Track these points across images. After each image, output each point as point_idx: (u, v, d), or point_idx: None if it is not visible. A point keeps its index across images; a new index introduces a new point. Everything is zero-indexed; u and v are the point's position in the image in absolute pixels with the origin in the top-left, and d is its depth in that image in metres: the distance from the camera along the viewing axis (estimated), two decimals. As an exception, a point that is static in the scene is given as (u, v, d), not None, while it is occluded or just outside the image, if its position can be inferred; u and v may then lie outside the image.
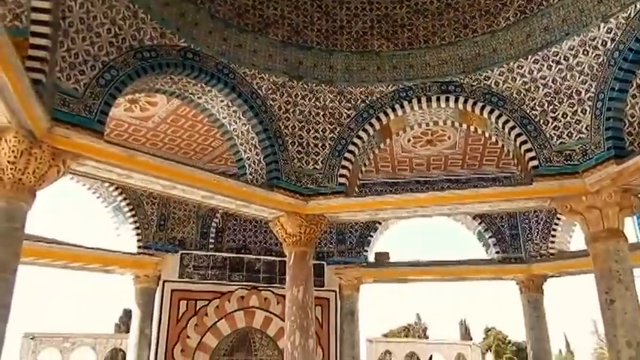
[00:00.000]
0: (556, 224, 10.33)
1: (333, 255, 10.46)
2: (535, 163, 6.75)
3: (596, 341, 52.94)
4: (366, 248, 10.61)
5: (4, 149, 4.38)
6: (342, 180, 7.32)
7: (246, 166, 7.34)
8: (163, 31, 6.20)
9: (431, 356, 61.76)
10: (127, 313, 35.90)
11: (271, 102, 7.24)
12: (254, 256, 10.05)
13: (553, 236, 10.28)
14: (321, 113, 7.52)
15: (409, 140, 9.38)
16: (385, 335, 62.53)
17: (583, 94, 6.48)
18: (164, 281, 9.16)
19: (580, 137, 6.54)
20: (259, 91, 7.12)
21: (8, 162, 4.36)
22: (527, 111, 6.90)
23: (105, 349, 50.97)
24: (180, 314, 9.12)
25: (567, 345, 73.21)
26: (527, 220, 10.65)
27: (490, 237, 10.72)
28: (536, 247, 10.39)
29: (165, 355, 8.81)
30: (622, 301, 5.75)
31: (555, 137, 6.74)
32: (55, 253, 8.23)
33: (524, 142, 6.88)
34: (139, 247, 9.12)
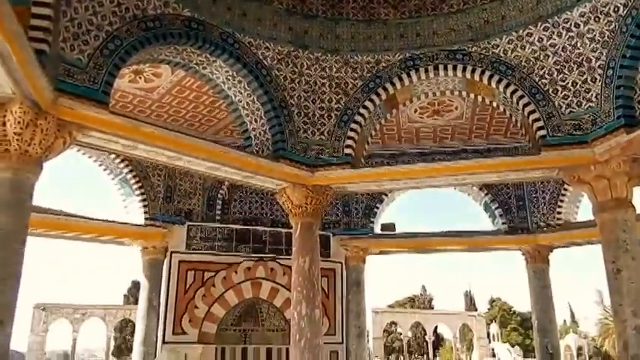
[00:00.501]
0: (563, 195, 10.29)
1: (339, 226, 10.49)
2: (543, 132, 6.69)
3: (601, 311, 53.50)
4: (372, 219, 10.62)
5: (10, 120, 4.37)
6: (348, 151, 7.28)
7: (252, 137, 7.31)
8: (167, 1, 6.10)
9: (436, 327, 62.64)
10: (136, 285, 36.44)
11: (276, 72, 7.16)
12: (260, 228, 10.08)
13: (560, 207, 10.25)
14: (327, 83, 7.44)
15: (416, 111, 9.29)
16: (391, 306, 63.33)
17: (593, 62, 6.37)
18: (171, 252, 9.23)
19: (590, 106, 6.45)
20: (264, 61, 7.04)
21: (14, 133, 4.36)
22: (536, 80, 6.80)
23: (114, 320, 52.02)
24: (187, 285, 9.21)
25: (572, 315, 73.89)
26: (534, 191, 10.62)
27: (497, 208, 10.71)
28: (543, 217, 10.38)
29: (174, 325, 8.92)
30: (628, 270, 5.77)
31: (564, 106, 6.65)
32: (63, 225, 8.29)
33: (532, 112, 6.80)
34: (146, 219, 9.17)
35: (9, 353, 4.17)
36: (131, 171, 9.11)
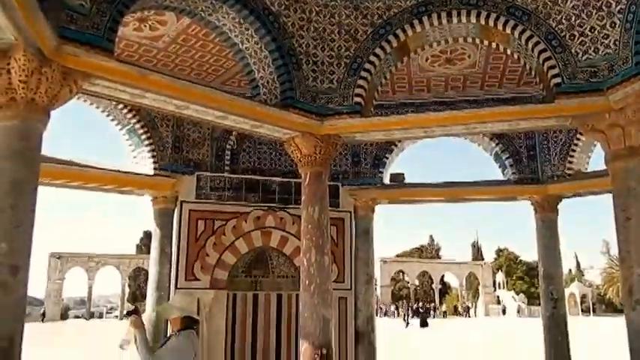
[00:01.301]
0: (575, 144, 10.18)
1: (348, 176, 10.49)
2: (558, 80, 6.56)
3: (607, 261, 54.15)
4: (381, 169, 10.60)
5: (14, 68, 4.32)
6: (357, 99, 7.18)
7: (260, 86, 7.22)
8: (170, -58, 5.90)
9: (443, 275, 63.86)
10: (148, 236, 37.22)
11: (284, 19, 6.98)
12: (269, 178, 10.12)
13: (571, 156, 10.16)
14: (337, 30, 7.25)
15: (427, 59, 9.09)
16: (399, 256, 64.58)
17: (613, 6, 6.14)
18: (181, 202, 9.31)
19: (607, 53, 6.28)
20: (272, 7, 6.85)
21: (20, 81, 4.32)
22: (553, 25, 6.59)
23: (128, 269, 53.53)
24: (198, 233, 9.34)
25: (577, 265, 75.01)
26: (545, 141, 10.51)
27: (507, 158, 10.63)
28: (554, 167, 10.31)
29: (186, 272, 9.11)
30: (638, 218, 5.78)
31: (581, 53, 6.48)
32: (73, 175, 8.34)
33: (547, 59, 6.63)
34: (155, 169, 9.20)
35: (26, 298, 4.28)
36: (139, 121, 9.08)
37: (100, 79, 5.07)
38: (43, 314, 43.48)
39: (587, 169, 10.45)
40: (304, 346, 6.59)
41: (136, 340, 4.10)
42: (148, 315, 8.75)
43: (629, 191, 5.88)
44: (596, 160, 10.30)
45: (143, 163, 9.33)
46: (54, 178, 8.01)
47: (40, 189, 4.72)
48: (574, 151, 10.19)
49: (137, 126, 9.11)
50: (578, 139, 10.09)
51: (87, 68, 4.91)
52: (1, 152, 4.33)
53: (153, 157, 9.21)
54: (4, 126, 4.38)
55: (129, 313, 4.31)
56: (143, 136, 9.17)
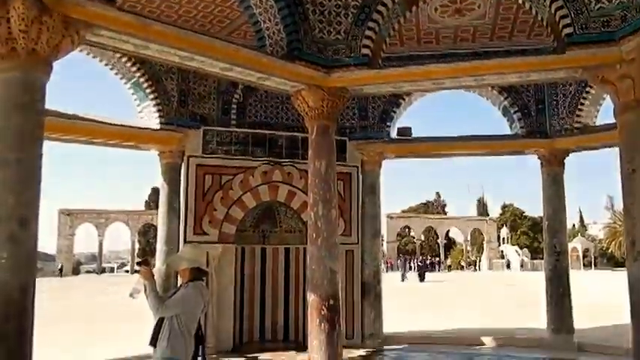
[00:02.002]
0: (584, 98, 10.03)
1: (356, 131, 10.44)
2: (570, 30, 6.41)
3: (611, 216, 54.40)
4: (388, 124, 10.53)
5: (14, 17, 4.24)
6: (365, 51, 7.05)
7: (266, 37, 7.08)
8: None
9: (448, 231, 64.41)
10: (156, 192, 37.47)
11: (290, -33, 6.77)
12: (276, 132, 10.08)
13: (580, 110, 10.03)
14: (343, -21, 7.05)
15: (436, 10, 8.84)
16: (405, 212, 65.04)
17: (631, -49, 5.93)
18: (188, 157, 9.33)
19: (621, 1, 6.13)
20: (277, -46, 6.64)
21: (20, 31, 4.25)
22: (566, -28, 6.38)
23: (137, 225, 54.24)
24: (206, 188, 9.41)
25: (581, 220, 75.39)
26: (554, 94, 10.37)
27: (515, 112, 10.52)
28: (562, 121, 10.21)
29: (195, 226, 9.23)
30: (644, 171, 5.75)
31: (594, 2, 6.33)
32: (79, 129, 8.34)
33: (559, 8, 6.47)
34: (161, 123, 9.17)
35: (36, 251, 4.34)
36: (143, 74, 8.97)
37: (102, 29, 4.99)
38: (61, 269, 44.68)
39: (595, 123, 10.34)
40: (312, 298, 6.73)
41: (145, 289, 4.17)
42: (157, 269, 8.91)
43: (636, 143, 5.85)
44: (604, 114, 10.20)
45: (149, 117, 9.29)
46: (60, 132, 8.01)
47: (48, 145, 4.72)
48: (583, 104, 10.06)
49: (142, 79, 9.02)
50: (588, 92, 9.94)
51: (88, 17, 4.81)
52: (4, 104, 4.31)
53: (158, 111, 9.16)
54: (5, 77, 4.34)
55: (139, 264, 4.38)
56: (148, 90, 9.09)
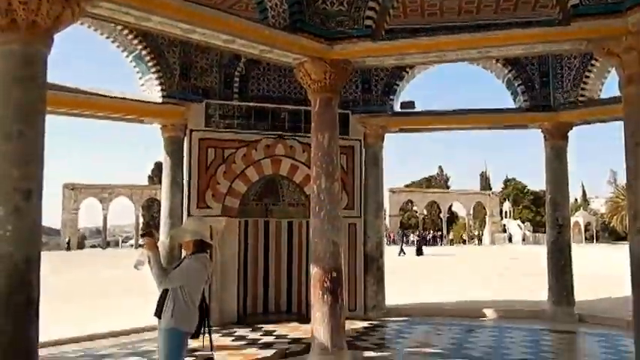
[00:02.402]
0: (589, 71, 9.94)
1: (358, 104, 10.38)
2: (575, 1, 6.31)
3: (613, 190, 54.36)
4: (391, 97, 10.46)
5: (14, -12, 4.18)
6: (368, 22, 6.95)
7: (268, 8, 6.98)
8: None
9: (450, 205, 64.53)
10: (159, 167, 37.55)
11: None
12: (279, 106, 10.03)
13: (584, 83, 9.95)
14: (347, -52, 6.91)
15: (440, -20, 8.71)
16: (407, 186, 65.13)
17: None
18: (191, 130, 9.32)
19: (628, -28, 5.99)
20: None
21: (20, 2, 4.18)
22: (574, -60, 6.24)
23: (141, 199, 54.48)
24: (208, 162, 9.42)
25: (584, 194, 75.40)
26: (559, 67, 10.28)
27: (519, 85, 10.44)
28: (566, 94, 10.14)
29: (198, 200, 9.28)
30: (647, 144, 5.72)
31: (601, -28, 6.19)
32: (81, 103, 8.32)
33: (566, -22, 6.34)
34: (164, 97, 9.13)
35: (41, 223, 4.35)
36: (145, 47, 8.90)
37: (103, 0, 4.93)
38: (68, 243, 45.18)
39: (599, 96, 10.26)
40: (315, 270, 6.78)
41: (149, 261, 4.21)
42: (162, 242, 8.98)
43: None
44: (609, 88, 10.11)
45: (151, 90, 9.25)
46: (61, 106, 7.99)
47: (50, 119, 4.70)
48: (587, 77, 9.97)
49: (143, 52, 8.95)
50: (593, 65, 9.85)
51: (88, -12, 4.74)
52: (6, 77, 4.28)
53: (161, 84, 9.11)
54: (6, 50, 4.30)
55: (142, 235, 4.43)
56: (150, 63, 9.03)
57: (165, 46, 9.11)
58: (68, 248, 44.29)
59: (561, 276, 9.93)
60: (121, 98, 8.82)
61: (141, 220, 52.36)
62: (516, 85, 10.51)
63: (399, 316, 10.02)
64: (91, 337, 8.26)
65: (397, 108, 10.74)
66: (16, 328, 3.87)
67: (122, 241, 59.44)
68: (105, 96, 8.60)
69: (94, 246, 53.73)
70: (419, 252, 33.56)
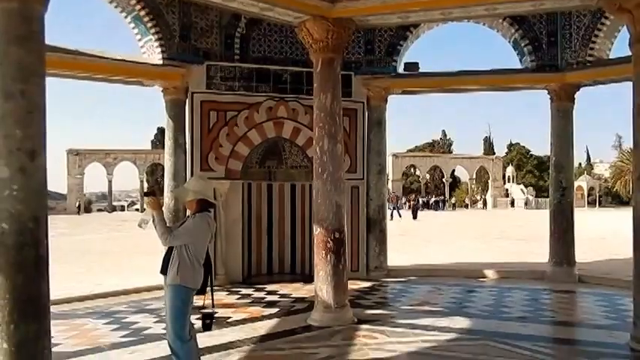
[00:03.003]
0: (598, 29, 9.72)
1: (361, 65, 10.23)
2: (587, -45, 6.12)
3: (618, 155, 54.14)
4: (395, 58, 10.30)
5: (9, -57, 4.07)
6: (371, -21, 6.78)
7: (268, -35, 6.80)
8: None
9: (453, 170, 64.47)
10: (162, 132, 37.40)
11: None
12: (281, 67, 9.90)
13: (593, 42, 9.74)
14: None
15: None
16: (410, 151, 64.90)
17: None
18: (192, 93, 9.24)
19: None
20: None
21: (15, -42, 4.09)
22: None
23: (145, 164, 54.60)
24: (210, 124, 9.37)
25: (588, 158, 75.16)
26: (567, 26, 10.04)
27: (526, 45, 10.22)
28: (574, 54, 9.94)
29: (201, 163, 9.27)
30: (657, 105, 5.63)
31: None
32: (80, 65, 8.23)
33: None
34: (164, 59, 9.01)
35: (46, 182, 4.35)
36: (144, 7, 8.72)
37: (100, -44, 4.81)
38: (79, 207, 45.73)
39: (609, 56, 10.07)
40: (318, 231, 6.81)
41: (153, 219, 4.24)
42: (166, 204, 9.03)
43: (650, 75, 5.69)
44: (618, 49, 9.90)
45: (151, 52, 9.13)
46: (61, 68, 7.92)
47: (49, 81, 4.64)
48: (597, 36, 9.75)
49: (142, 13, 8.78)
50: (602, 24, 9.62)
51: (85, -56, 4.63)
52: (4, 36, 4.21)
53: (160, 46, 8.98)
54: (3, 8, 4.23)
55: (146, 194, 4.43)
56: (149, 24, 8.87)
57: (164, 6, 8.94)
58: (79, 212, 45.17)
59: (563, 237, 9.96)
60: (121, 60, 8.71)
61: (145, 184, 52.59)
62: (523, 45, 10.30)
63: (401, 277, 10.14)
64: (104, 295, 8.41)
65: (401, 70, 10.59)
66: (27, 282, 3.93)
67: (128, 205, 59.88)
68: (104, 57, 8.49)
69: (100, 210, 54.19)
70: (414, 216, 33.57)
